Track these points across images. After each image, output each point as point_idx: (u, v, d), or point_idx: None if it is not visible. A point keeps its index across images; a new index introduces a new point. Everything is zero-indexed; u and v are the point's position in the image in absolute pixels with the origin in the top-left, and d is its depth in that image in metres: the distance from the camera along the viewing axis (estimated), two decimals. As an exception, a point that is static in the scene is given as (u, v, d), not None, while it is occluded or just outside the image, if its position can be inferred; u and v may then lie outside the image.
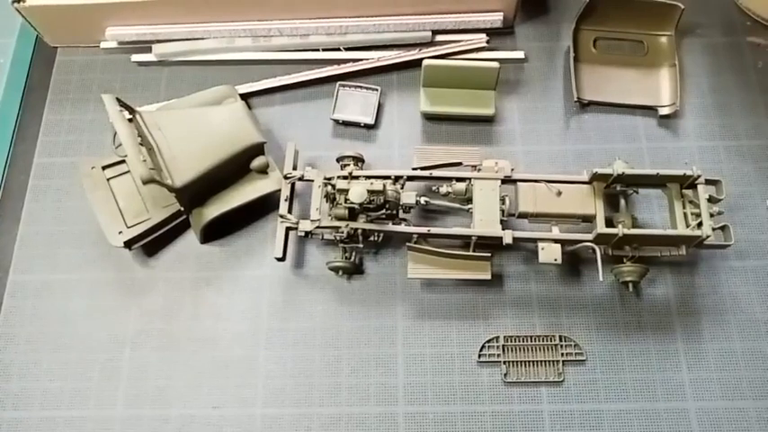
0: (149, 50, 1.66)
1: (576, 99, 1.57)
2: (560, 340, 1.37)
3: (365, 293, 1.43)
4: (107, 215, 1.41)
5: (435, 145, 1.55)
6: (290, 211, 1.40)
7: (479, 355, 1.37)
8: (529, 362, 1.36)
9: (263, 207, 1.48)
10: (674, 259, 1.41)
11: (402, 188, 1.38)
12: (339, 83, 1.60)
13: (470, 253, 1.34)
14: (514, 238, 1.32)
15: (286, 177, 1.42)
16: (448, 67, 1.53)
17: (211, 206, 1.41)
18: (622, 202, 1.40)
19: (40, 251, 1.49)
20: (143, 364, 1.39)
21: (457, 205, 1.41)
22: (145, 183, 1.25)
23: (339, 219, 1.34)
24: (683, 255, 1.34)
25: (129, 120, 1.37)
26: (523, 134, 1.58)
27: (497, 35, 1.67)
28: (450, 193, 1.38)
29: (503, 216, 1.34)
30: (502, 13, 1.62)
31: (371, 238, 1.38)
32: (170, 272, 1.46)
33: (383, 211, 1.35)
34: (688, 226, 1.31)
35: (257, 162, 1.42)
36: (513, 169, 1.38)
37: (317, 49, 1.65)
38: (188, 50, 1.65)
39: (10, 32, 1.75)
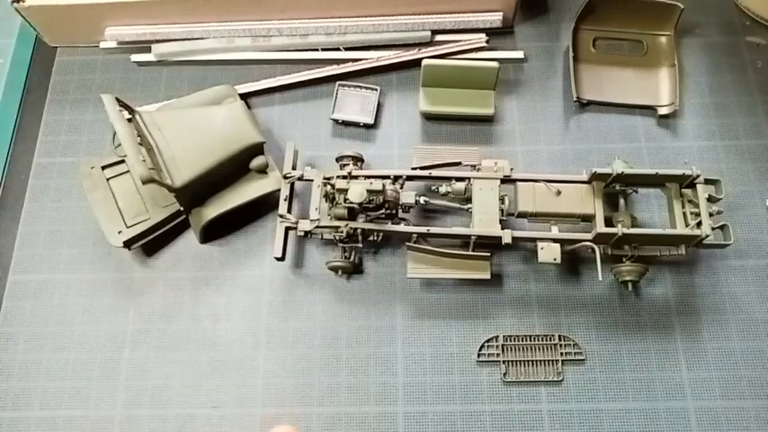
0: (149, 50, 1.67)
1: (575, 99, 1.57)
2: (560, 340, 1.37)
3: (365, 293, 1.43)
4: (107, 215, 1.41)
5: (435, 145, 1.55)
6: (289, 210, 1.40)
7: (479, 355, 1.37)
8: (528, 361, 1.36)
9: (263, 207, 1.48)
10: (673, 259, 1.41)
11: (401, 188, 1.38)
12: (339, 83, 1.60)
13: (470, 252, 1.34)
14: (514, 238, 1.32)
15: (285, 177, 1.42)
16: (447, 66, 1.53)
17: (211, 206, 1.41)
18: (622, 201, 1.40)
19: (40, 251, 1.49)
20: (142, 363, 1.39)
21: (456, 205, 1.41)
22: (144, 183, 1.25)
23: (338, 218, 1.34)
24: (683, 254, 1.34)
25: (129, 120, 1.37)
26: (523, 134, 1.58)
27: (497, 35, 1.68)
28: (449, 192, 1.38)
29: (502, 216, 1.34)
30: (501, 13, 1.62)
31: (371, 238, 1.38)
32: (169, 272, 1.46)
33: (383, 210, 1.35)
34: (687, 225, 1.32)
35: (257, 162, 1.42)
36: (512, 169, 1.38)
37: (317, 49, 1.65)
38: (187, 50, 1.65)
39: (10, 32, 1.76)
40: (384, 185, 1.31)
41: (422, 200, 1.39)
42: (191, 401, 1.35)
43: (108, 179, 1.45)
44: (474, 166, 1.41)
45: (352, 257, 1.42)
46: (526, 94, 1.63)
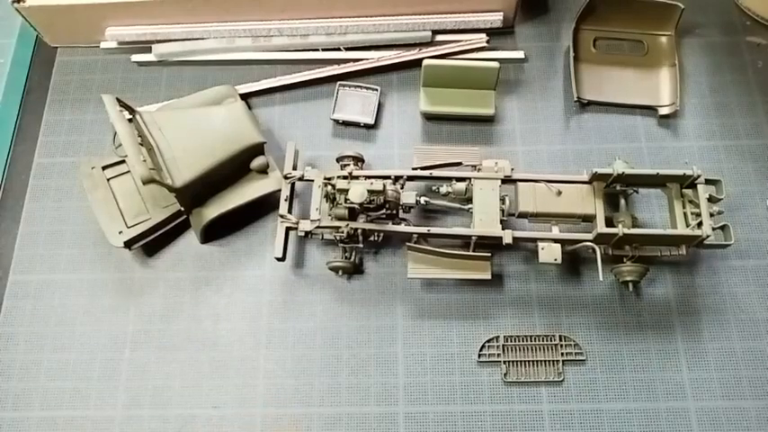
0: (149, 50, 1.67)
1: (575, 99, 1.57)
2: (560, 340, 1.37)
3: (365, 293, 1.43)
4: (107, 215, 1.41)
5: (435, 145, 1.55)
6: (290, 211, 1.40)
7: (479, 355, 1.37)
8: (529, 362, 1.36)
9: (263, 207, 1.48)
10: (674, 259, 1.41)
11: (402, 188, 1.38)
12: (339, 83, 1.60)
13: (470, 253, 1.34)
14: (514, 238, 1.32)
15: (286, 177, 1.42)
16: (448, 66, 1.53)
17: (211, 206, 1.41)
18: (622, 201, 1.40)
19: (40, 251, 1.49)
20: (143, 363, 1.39)
21: (457, 205, 1.41)
22: (145, 183, 1.25)
23: (339, 219, 1.34)
24: (684, 254, 1.34)
25: (129, 120, 1.37)
26: (523, 134, 1.58)
27: (497, 35, 1.67)
28: (450, 192, 1.38)
29: (503, 216, 1.34)
30: (502, 13, 1.62)
31: (371, 238, 1.38)
32: (170, 272, 1.46)
33: (383, 210, 1.35)
34: (688, 225, 1.31)
35: (257, 162, 1.42)
36: (512, 169, 1.38)
37: (317, 49, 1.65)
38: (188, 50, 1.65)
39: (10, 33, 1.76)
40: (385, 186, 1.31)
41: (422, 200, 1.39)
42: (191, 402, 1.35)
43: (108, 179, 1.45)
44: (475, 167, 1.40)
45: (353, 258, 1.42)
46: (527, 95, 1.63)
